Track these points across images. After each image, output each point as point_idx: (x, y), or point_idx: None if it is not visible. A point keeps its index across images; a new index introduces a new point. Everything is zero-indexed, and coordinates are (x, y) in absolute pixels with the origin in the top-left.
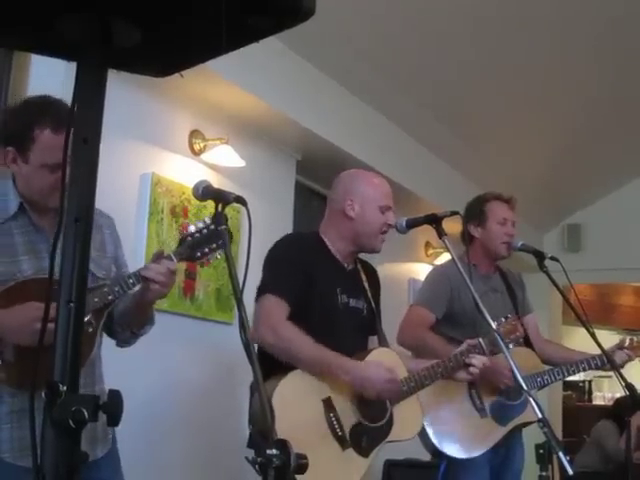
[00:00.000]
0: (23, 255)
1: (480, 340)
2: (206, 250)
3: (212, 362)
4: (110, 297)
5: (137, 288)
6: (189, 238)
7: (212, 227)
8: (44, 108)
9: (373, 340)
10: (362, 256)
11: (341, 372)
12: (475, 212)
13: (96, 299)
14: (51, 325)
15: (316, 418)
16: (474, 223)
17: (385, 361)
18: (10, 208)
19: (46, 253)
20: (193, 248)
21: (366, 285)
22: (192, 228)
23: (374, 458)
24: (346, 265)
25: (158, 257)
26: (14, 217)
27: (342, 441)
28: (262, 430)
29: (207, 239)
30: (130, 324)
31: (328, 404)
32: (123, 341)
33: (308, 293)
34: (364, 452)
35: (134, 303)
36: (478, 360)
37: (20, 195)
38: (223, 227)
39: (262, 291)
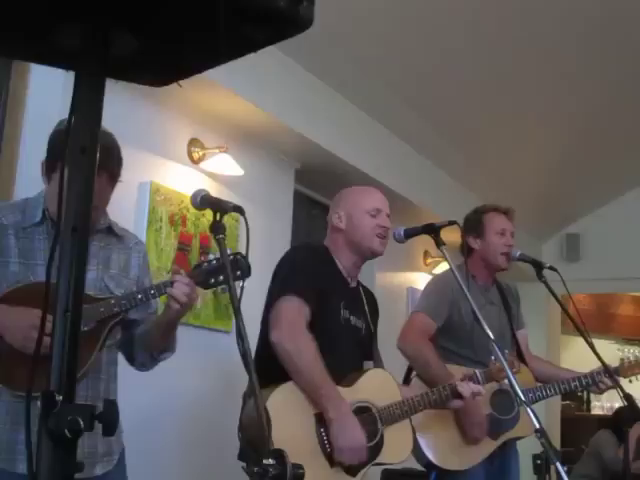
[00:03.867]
0: (39, 260)
1: (477, 372)
2: (220, 278)
3: (210, 370)
4: (116, 309)
5: (153, 304)
6: (205, 264)
7: (231, 257)
8: None
9: (368, 365)
10: (364, 270)
11: (331, 408)
12: (474, 224)
13: (102, 309)
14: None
15: (306, 432)
16: (473, 235)
17: (380, 382)
18: (35, 216)
19: None
20: (208, 274)
21: (366, 307)
22: (210, 256)
23: (362, 478)
24: (350, 281)
25: (175, 273)
26: (38, 224)
27: (331, 458)
28: (252, 439)
29: (222, 268)
30: (150, 346)
31: (320, 419)
32: (141, 364)
33: (316, 304)
34: (352, 471)
35: (157, 323)
36: (466, 389)
37: (45, 204)
38: (236, 256)
39: (283, 291)
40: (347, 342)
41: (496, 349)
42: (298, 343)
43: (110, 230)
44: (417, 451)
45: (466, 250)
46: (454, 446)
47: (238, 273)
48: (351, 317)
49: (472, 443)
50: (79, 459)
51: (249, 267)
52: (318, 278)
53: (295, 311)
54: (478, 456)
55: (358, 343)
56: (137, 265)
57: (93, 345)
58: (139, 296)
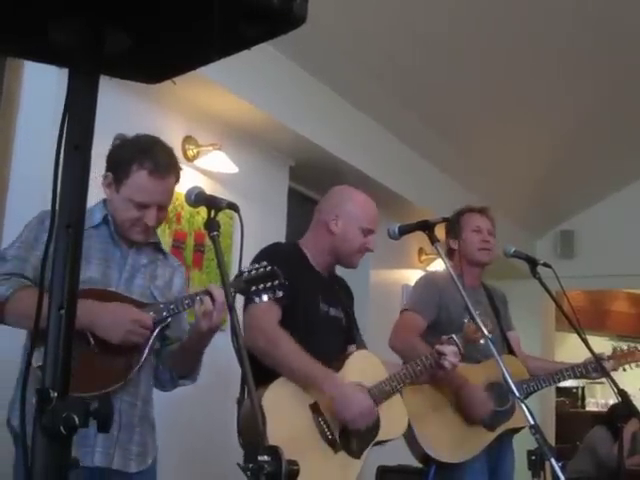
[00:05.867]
0: (94, 259)
1: (453, 336)
2: (260, 287)
3: (204, 367)
4: (165, 313)
5: (186, 325)
6: (246, 273)
7: (269, 268)
8: (149, 149)
9: (351, 348)
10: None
11: (327, 386)
12: (452, 226)
13: (152, 313)
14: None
15: (306, 423)
16: (452, 237)
17: (366, 363)
18: (94, 220)
19: (115, 264)
20: (248, 283)
21: (341, 295)
22: (250, 266)
23: (366, 459)
24: (323, 274)
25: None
26: (96, 227)
27: (333, 444)
28: (252, 441)
29: (263, 277)
30: (173, 364)
31: (316, 408)
32: (160, 382)
33: (292, 302)
34: (355, 454)
35: (186, 340)
36: (449, 350)
37: (106, 211)
38: (272, 266)
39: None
40: (329, 334)
41: (490, 345)
42: (271, 337)
43: (158, 247)
44: (414, 444)
45: (447, 252)
46: (452, 439)
47: (276, 282)
48: (330, 309)
49: (476, 424)
50: (110, 451)
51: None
52: (290, 278)
53: (265, 311)
54: (476, 448)
55: (340, 333)
56: (180, 284)
57: (142, 350)
58: (186, 301)
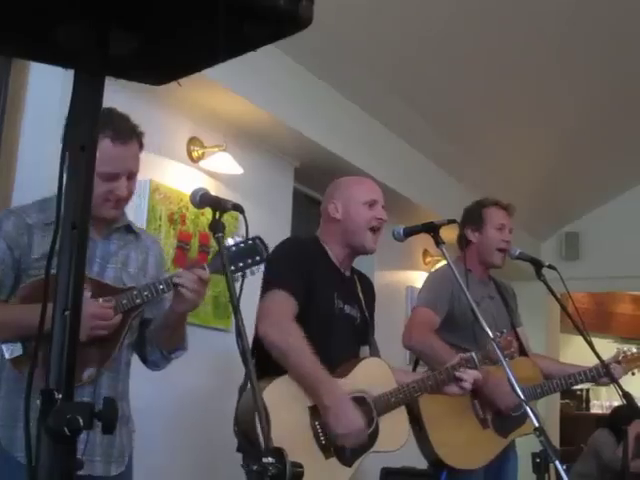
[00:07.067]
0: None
1: (473, 354)
2: (240, 265)
3: (209, 368)
4: (138, 300)
5: (168, 296)
6: (225, 252)
7: (249, 242)
8: (107, 119)
9: (364, 350)
10: (360, 263)
11: (325, 394)
12: (473, 216)
13: (124, 301)
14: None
15: (301, 425)
16: (471, 227)
17: (375, 370)
18: None
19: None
20: (228, 262)
21: (361, 295)
22: (229, 241)
23: (358, 467)
24: (343, 271)
25: (191, 266)
26: None
27: (325, 450)
28: (247, 433)
29: (243, 253)
30: (160, 343)
31: (314, 411)
32: (153, 363)
33: (308, 296)
34: (347, 461)
35: (165, 318)
36: (469, 375)
37: None
38: (253, 240)
39: (271, 285)
40: (342, 331)
41: (495, 346)
42: (285, 333)
43: (129, 228)
44: (426, 447)
45: (464, 242)
46: (466, 445)
47: (257, 258)
48: (345, 306)
49: (507, 413)
50: (95, 458)
51: (267, 250)
52: (307, 271)
53: (281, 304)
54: (490, 455)
55: (353, 332)
56: (154, 264)
57: (116, 338)
58: (160, 287)
